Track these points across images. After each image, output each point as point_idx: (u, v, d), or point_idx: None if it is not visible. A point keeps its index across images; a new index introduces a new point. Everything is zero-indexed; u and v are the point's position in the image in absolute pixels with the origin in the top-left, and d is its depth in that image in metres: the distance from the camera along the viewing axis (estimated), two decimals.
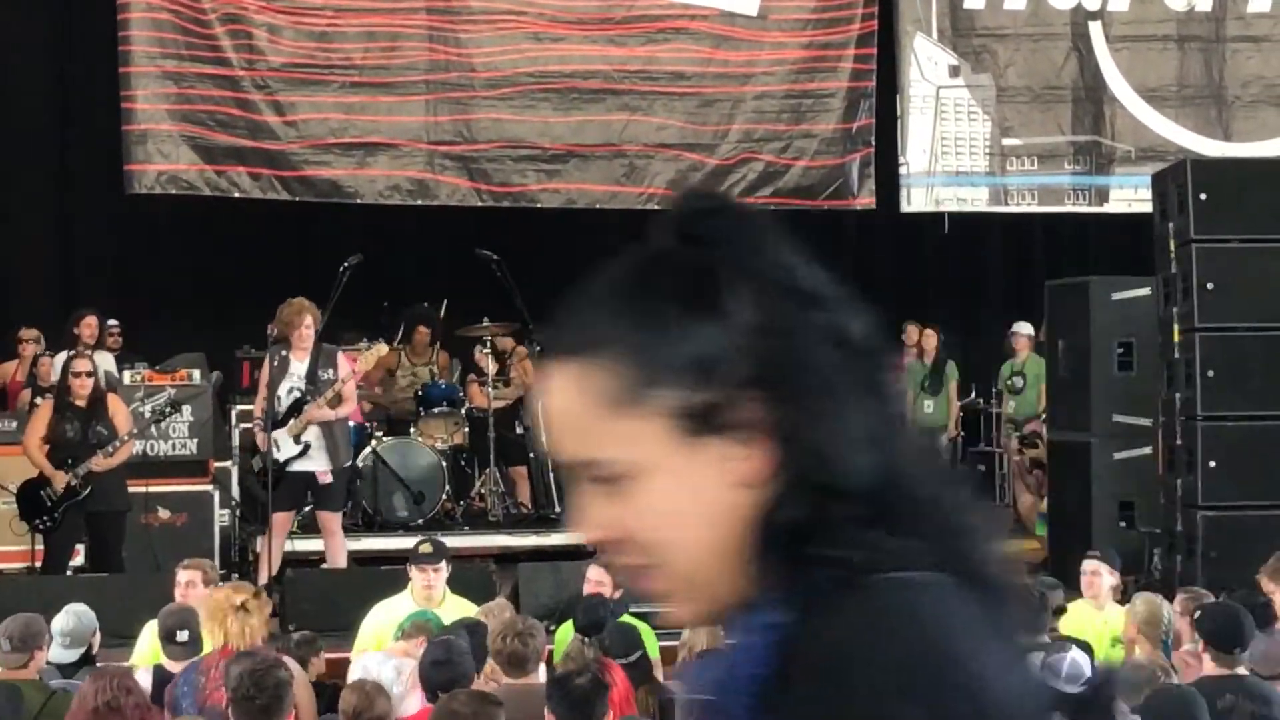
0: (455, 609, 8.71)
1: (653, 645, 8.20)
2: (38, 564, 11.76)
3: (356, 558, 12.70)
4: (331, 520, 11.67)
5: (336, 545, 11.66)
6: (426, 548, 9.04)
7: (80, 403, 11.43)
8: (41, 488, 11.32)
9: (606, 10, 16.49)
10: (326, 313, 12.51)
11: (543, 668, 7.76)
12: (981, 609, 1.76)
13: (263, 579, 11.29)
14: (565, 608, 9.23)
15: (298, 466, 11.38)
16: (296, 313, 11.48)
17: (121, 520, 11.56)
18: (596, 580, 8.98)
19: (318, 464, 11.45)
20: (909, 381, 16.33)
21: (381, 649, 8.31)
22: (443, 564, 8.90)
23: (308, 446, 11.39)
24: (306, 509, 12.09)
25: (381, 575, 10.03)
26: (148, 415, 12.39)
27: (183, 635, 7.73)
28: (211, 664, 7.13)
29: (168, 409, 12.33)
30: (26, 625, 7.67)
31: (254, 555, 12.46)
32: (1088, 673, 6.79)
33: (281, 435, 11.34)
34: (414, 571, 8.93)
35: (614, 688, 7.19)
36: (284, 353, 11.51)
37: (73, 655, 7.76)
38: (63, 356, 13.05)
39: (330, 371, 11.54)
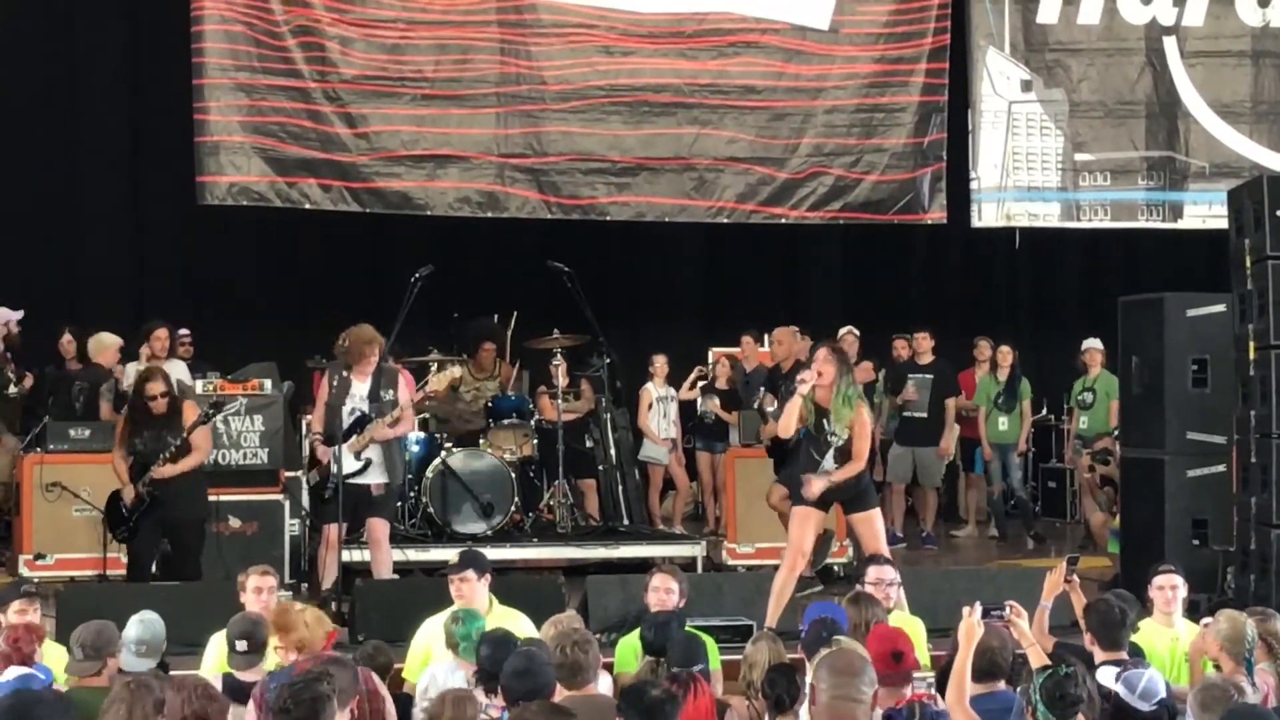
0: (502, 619, 8.64)
1: (714, 658, 8.16)
2: (108, 572, 11.91)
3: (425, 568, 12.72)
4: (382, 529, 11.69)
5: (384, 555, 11.68)
6: (454, 559, 9.08)
7: (157, 413, 11.51)
8: (121, 498, 11.45)
9: (677, 24, 16.51)
10: (398, 324, 12.56)
11: (606, 679, 7.73)
12: None
13: (326, 585, 11.38)
14: (632, 621, 9.18)
15: (356, 481, 11.43)
16: (366, 342, 11.48)
17: (199, 527, 11.66)
18: (665, 589, 8.94)
19: (375, 478, 11.52)
20: (980, 397, 16.24)
21: (429, 663, 8.32)
22: (469, 572, 8.84)
23: (369, 463, 11.45)
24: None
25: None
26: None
27: (242, 645, 7.73)
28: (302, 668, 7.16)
29: (210, 411, 12.26)
30: (99, 633, 7.70)
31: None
32: (1162, 693, 6.73)
33: (343, 451, 11.38)
34: (450, 585, 8.97)
35: (701, 697, 7.16)
36: (344, 373, 11.55)
37: (147, 664, 7.76)
38: (133, 367, 13.13)
39: (391, 392, 11.57)
